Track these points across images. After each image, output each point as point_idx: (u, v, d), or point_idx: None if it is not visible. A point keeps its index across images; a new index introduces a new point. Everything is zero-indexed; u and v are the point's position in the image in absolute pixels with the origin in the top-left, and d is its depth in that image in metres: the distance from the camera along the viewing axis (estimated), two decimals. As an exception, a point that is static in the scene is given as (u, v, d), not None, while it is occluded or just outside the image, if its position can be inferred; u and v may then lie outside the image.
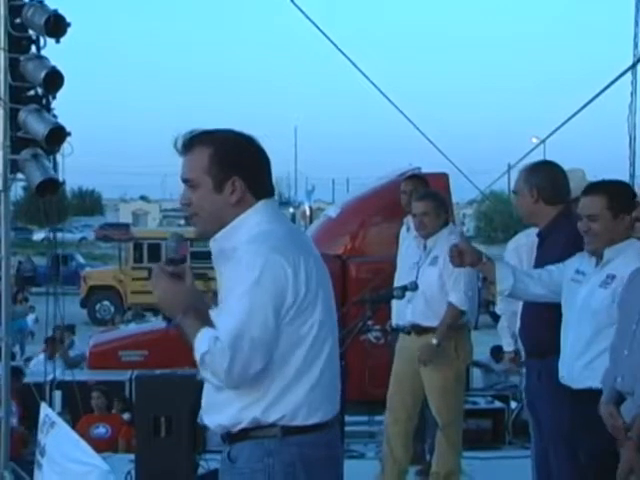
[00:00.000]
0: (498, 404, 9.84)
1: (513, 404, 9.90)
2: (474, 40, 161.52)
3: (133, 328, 14.69)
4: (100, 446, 7.79)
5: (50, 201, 7.45)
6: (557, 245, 4.80)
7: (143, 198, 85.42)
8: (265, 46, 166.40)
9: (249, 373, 2.84)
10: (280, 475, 2.93)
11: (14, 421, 9.57)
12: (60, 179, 7.03)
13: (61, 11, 6.56)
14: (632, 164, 9.84)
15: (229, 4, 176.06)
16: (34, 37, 6.82)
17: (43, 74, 6.54)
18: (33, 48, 6.85)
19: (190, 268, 3.03)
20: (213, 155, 2.98)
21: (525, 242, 5.55)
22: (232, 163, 2.98)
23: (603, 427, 4.04)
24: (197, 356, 2.85)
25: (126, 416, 9.81)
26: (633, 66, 9.67)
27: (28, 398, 9.21)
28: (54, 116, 6.91)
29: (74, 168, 7.28)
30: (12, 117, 6.75)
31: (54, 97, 6.92)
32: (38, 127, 6.60)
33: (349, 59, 9.58)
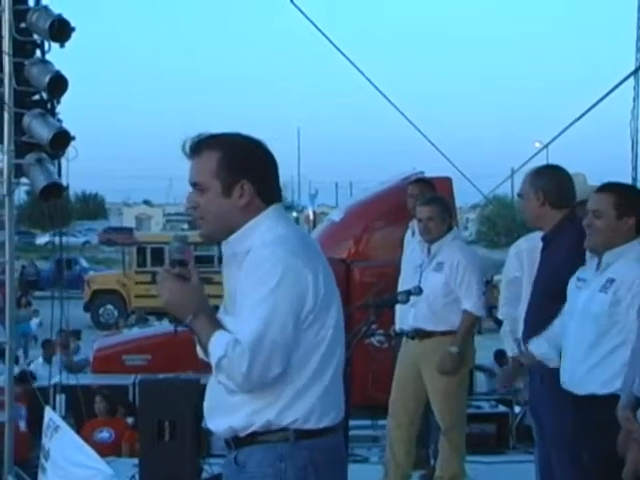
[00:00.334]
0: (502, 408, 9.83)
1: (517, 408, 9.90)
2: (476, 41, 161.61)
3: (137, 332, 14.70)
4: (104, 450, 7.79)
5: (54, 205, 7.47)
6: (561, 249, 4.80)
7: (146, 202, 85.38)
8: (267, 49, 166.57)
9: (268, 377, 2.83)
10: (292, 479, 2.92)
11: (22, 424, 9.58)
12: (64, 183, 7.04)
13: (65, 15, 6.58)
14: (634, 168, 9.84)
15: (231, 7, 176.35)
16: (39, 42, 6.84)
17: (47, 79, 6.56)
18: (38, 53, 6.87)
19: (196, 268, 3.02)
20: (222, 159, 2.97)
21: (525, 247, 5.55)
22: (241, 167, 2.98)
23: (606, 432, 4.05)
24: (213, 360, 2.83)
25: (130, 420, 9.81)
26: (635, 71, 9.68)
27: (32, 402, 9.22)
28: (58, 120, 6.92)
29: (78, 172, 7.28)
30: (16, 121, 6.77)
31: (58, 101, 6.94)
32: (42, 131, 6.62)
33: (351, 62, 9.59)
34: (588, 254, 4.44)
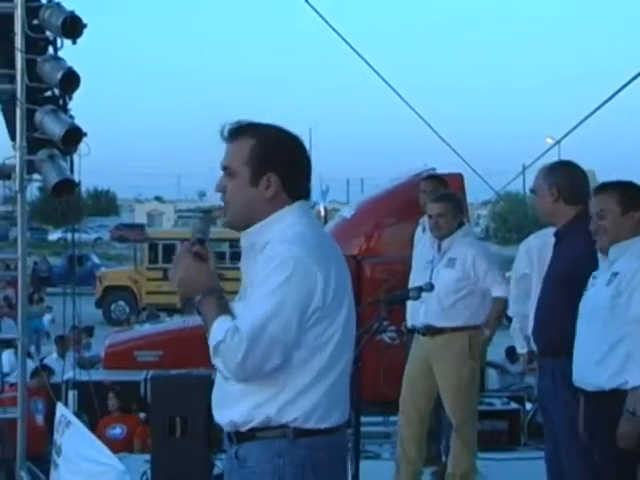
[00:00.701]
0: (514, 405, 9.82)
1: (528, 405, 9.89)
2: (487, 36, 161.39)
3: (148, 328, 14.71)
4: (116, 446, 7.82)
5: (67, 201, 7.48)
6: (573, 247, 4.78)
7: (158, 199, 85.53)
8: (278, 46, 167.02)
9: (262, 370, 2.84)
10: (289, 476, 2.93)
11: (39, 418, 9.62)
12: (76, 180, 7.05)
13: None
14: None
15: (240, 5, 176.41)
16: (51, 38, 6.84)
17: (60, 75, 6.55)
18: (50, 49, 6.87)
19: (212, 250, 3.03)
20: (255, 147, 2.99)
21: (535, 244, 5.54)
22: (271, 159, 2.98)
23: (615, 427, 4.06)
24: (212, 343, 2.85)
25: (142, 416, 9.84)
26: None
27: (50, 396, 9.26)
28: (70, 117, 6.93)
29: (89, 168, 7.29)
30: (29, 118, 6.77)
31: (70, 98, 6.95)
32: (54, 128, 6.62)
33: (363, 58, 9.58)
34: (600, 256, 4.44)
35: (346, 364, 3.00)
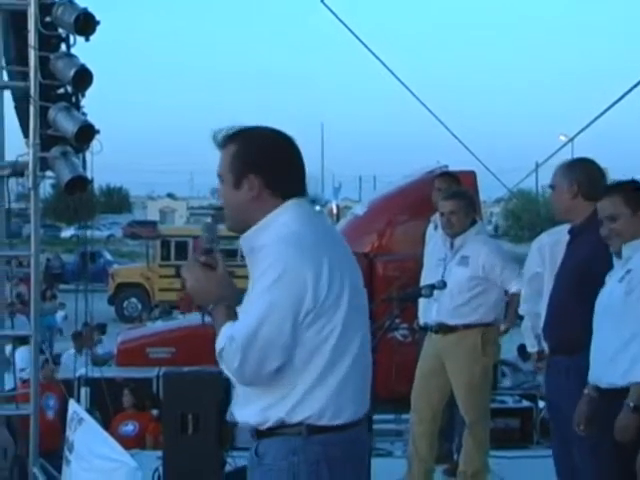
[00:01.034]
0: (526, 403, 9.81)
1: (541, 403, 9.86)
2: (500, 33, 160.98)
3: (160, 325, 14.75)
4: (128, 443, 7.82)
5: (79, 199, 7.49)
6: (588, 244, 4.76)
7: (170, 196, 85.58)
8: (291, 44, 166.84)
9: (261, 372, 2.87)
10: (304, 473, 2.94)
11: (50, 414, 9.64)
12: (89, 177, 7.06)
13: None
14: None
15: (254, 2, 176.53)
16: (64, 35, 6.85)
17: (72, 72, 6.56)
18: (63, 46, 6.88)
19: (222, 256, 3.09)
20: (236, 152, 3.06)
21: (547, 241, 5.53)
22: (250, 161, 3.04)
23: None
24: (217, 349, 2.92)
25: (154, 413, 9.86)
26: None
27: (63, 392, 9.31)
28: (83, 114, 6.94)
29: (102, 165, 7.31)
30: (42, 115, 6.78)
31: (83, 95, 6.96)
32: (67, 125, 6.63)
33: (376, 56, 9.60)
34: (615, 258, 4.43)
35: (356, 358, 2.98)
